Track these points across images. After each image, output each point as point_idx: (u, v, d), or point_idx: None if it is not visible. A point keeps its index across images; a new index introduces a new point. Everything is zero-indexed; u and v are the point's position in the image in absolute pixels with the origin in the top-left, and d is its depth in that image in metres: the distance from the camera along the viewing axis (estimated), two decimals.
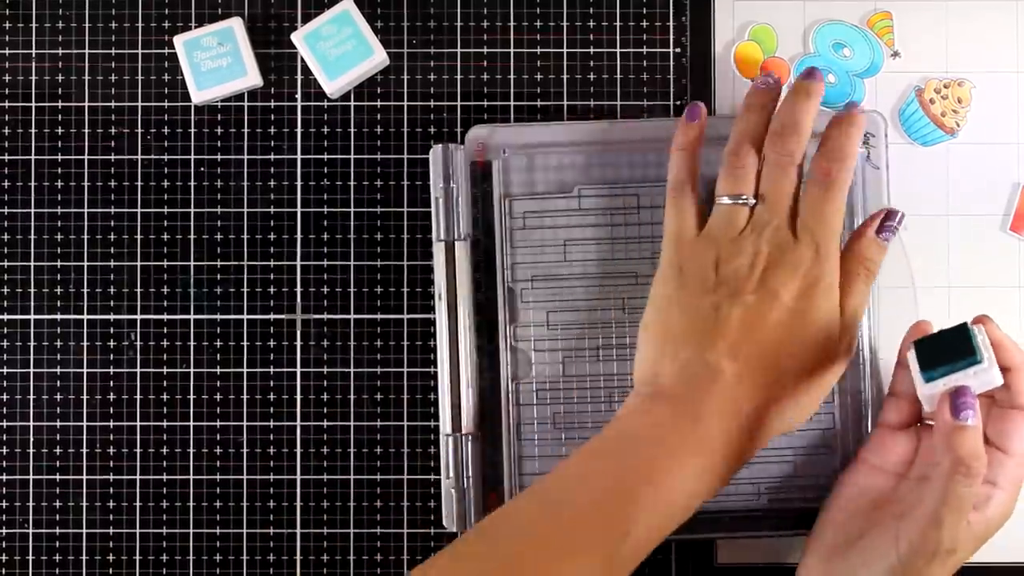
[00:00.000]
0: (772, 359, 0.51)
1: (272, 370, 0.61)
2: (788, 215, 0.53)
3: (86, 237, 0.61)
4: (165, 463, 0.60)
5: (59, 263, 0.61)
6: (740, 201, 0.53)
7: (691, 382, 0.51)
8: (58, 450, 0.60)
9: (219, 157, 0.61)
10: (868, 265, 0.53)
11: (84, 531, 0.60)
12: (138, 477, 0.60)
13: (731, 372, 0.51)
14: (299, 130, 0.61)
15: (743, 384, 0.51)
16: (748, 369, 0.51)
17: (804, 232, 0.52)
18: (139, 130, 0.61)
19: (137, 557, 0.60)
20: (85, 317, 0.61)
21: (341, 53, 0.59)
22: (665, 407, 0.51)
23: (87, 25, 0.61)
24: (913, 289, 0.59)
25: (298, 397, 0.61)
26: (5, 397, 0.60)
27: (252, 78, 0.59)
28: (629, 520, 0.49)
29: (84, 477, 0.60)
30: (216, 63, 0.59)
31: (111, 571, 0.60)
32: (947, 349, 0.50)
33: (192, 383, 0.61)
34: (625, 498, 0.49)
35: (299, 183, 0.61)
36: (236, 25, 0.59)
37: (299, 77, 0.61)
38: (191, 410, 0.61)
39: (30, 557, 0.60)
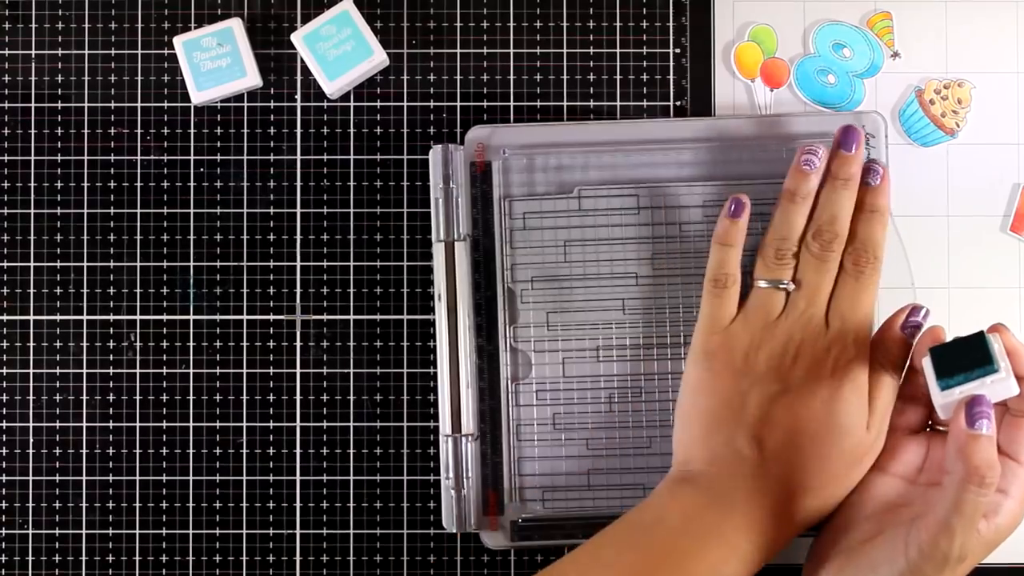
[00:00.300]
0: (799, 449, 0.51)
1: (272, 370, 0.61)
2: (824, 303, 0.54)
3: (86, 237, 0.61)
4: (165, 463, 0.60)
5: (59, 263, 0.61)
6: (780, 286, 0.54)
7: (719, 469, 0.52)
8: (58, 450, 0.60)
9: (219, 157, 0.61)
10: (892, 360, 0.54)
11: (84, 531, 0.60)
12: (138, 478, 0.60)
13: (758, 460, 0.51)
14: (299, 130, 0.61)
15: (770, 473, 0.51)
16: (775, 458, 0.51)
17: (836, 321, 0.53)
18: (139, 130, 0.61)
19: (137, 557, 0.60)
20: (85, 317, 0.61)
21: (341, 53, 0.59)
22: (693, 494, 0.52)
23: (87, 25, 0.61)
24: (913, 290, 0.59)
25: (298, 397, 0.61)
26: (5, 397, 0.60)
27: (252, 78, 0.59)
28: None
29: (84, 478, 0.60)
30: (216, 63, 0.59)
31: (111, 571, 0.60)
32: (964, 357, 0.50)
33: (192, 383, 0.61)
34: None
35: (299, 183, 0.61)
36: (236, 25, 0.59)
37: (299, 77, 0.61)
38: (191, 410, 0.61)
39: (30, 557, 0.60)
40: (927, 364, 0.50)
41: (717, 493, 0.51)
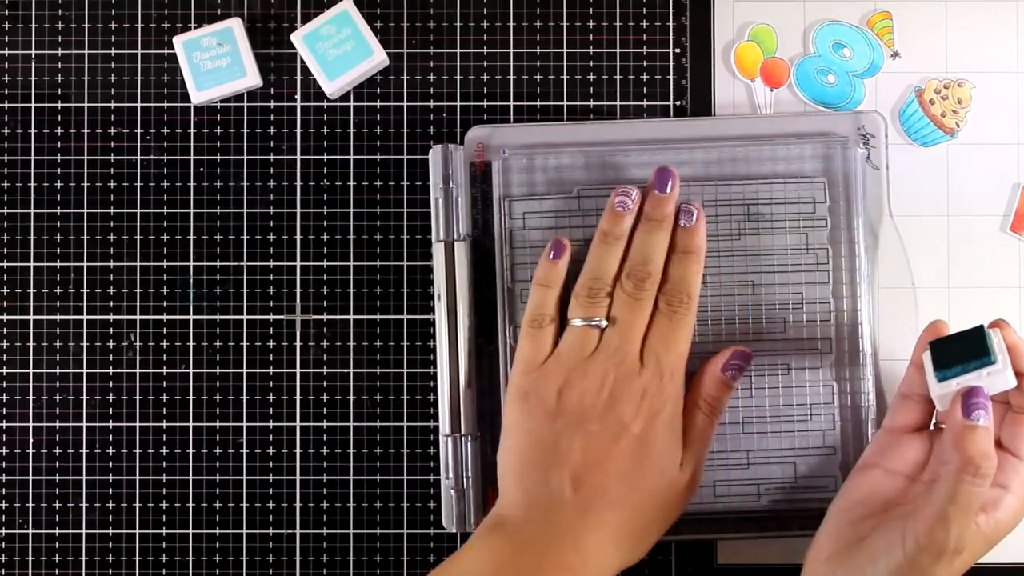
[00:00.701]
0: (616, 490, 0.51)
1: (272, 370, 0.61)
2: (638, 341, 0.53)
3: (86, 237, 0.61)
4: (165, 463, 0.60)
5: (59, 263, 0.61)
6: (592, 323, 0.54)
7: (534, 512, 0.51)
8: (58, 450, 0.60)
9: (219, 157, 0.61)
10: (709, 400, 0.54)
11: (84, 531, 0.60)
12: (138, 477, 0.60)
13: (573, 503, 0.51)
14: (299, 130, 0.61)
15: (585, 515, 0.51)
16: (590, 500, 0.51)
17: (651, 360, 0.53)
18: (139, 130, 0.61)
19: (137, 557, 0.60)
20: (85, 317, 0.61)
21: (340, 53, 0.59)
22: (504, 541, 0.51)
23: (87, 25, 0.61)
24: (913, 289, 0.59)
25: (298, 397, 0.61)
26: (5, 397, 0.60)
27: (252, 78, 0.59)
28: None
29: (84, 477, 0.60)
30: (216, 63, 0.59)
31: (111, 571, 0.60)
32: (962, 350, 0.50)
33: (192, 383, 0.61)
34: None
35: (299, 183, 0.61)
36: (235, 25, 0.59)
37: (299, 77, 0.61)
38: (191, 410, 0.61)
39: (30, 557, 0.60)
40: (926, 357, 0.50)
41: (528, 538, 0.51)
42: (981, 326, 0.50)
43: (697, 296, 0.54)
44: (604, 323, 0.54)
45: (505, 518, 0.52)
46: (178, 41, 0.59)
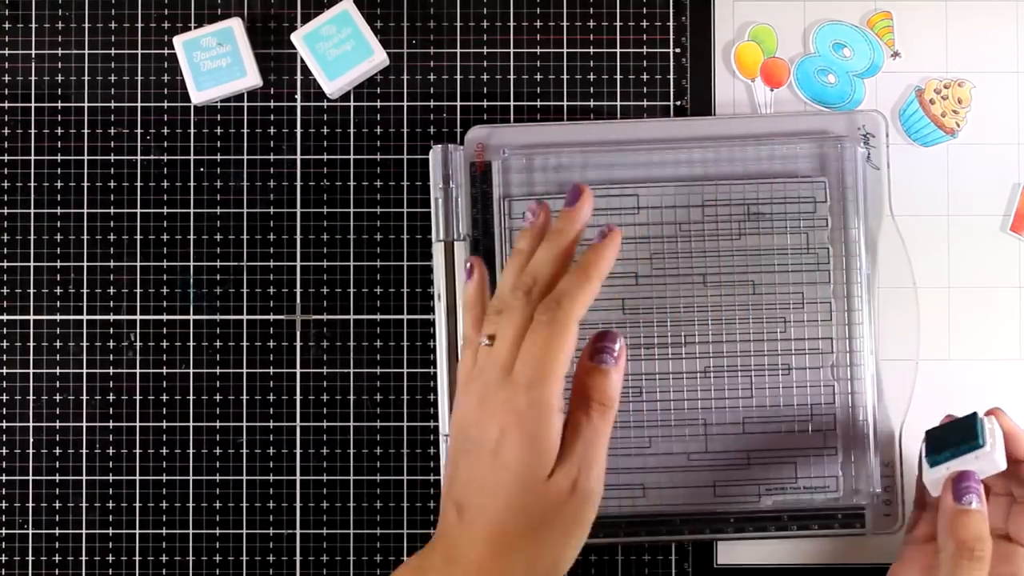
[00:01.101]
0: (494, 510, 0.48)
1: (272, 370, 0.61)
2: (506, 352, 0.49)
3: (86, 237, 0.61)
4: (165, 463, 0.60)
5: (59, 263, 0.61)
6: (483, 343, 0.51)
7: (438, 530, 0.50)
8: (58, 450, 0.60)
9: (219, 157, 0.61)
10: (593, 394, 0.50)
11: (84, 531, 0.60)
12: (138, 477, 0.60)
13: (456, 521, 0.49)
14: (299, 130, 0.61)
15: (467, 534, 0.49)
16: (471, 519, 0.49)
17: (517, 368, 0.49)
18: (139, 130, 0.61)
19: (137, 557, 0.60)
20: (85, 317, 0.61)
21: (341, 53, 0.59)
22: (423, 554, 0.51)
23: (87, 25, 0.61)
24: (914, 289, 0.59)
25: (298, 397, 0.61)
26: (5, 397, 0.60)
27: (252, 78, 0.59)
28: None
29: (84, 477, 0.60)
30: (216, 63, 0.59)
31: (111, 571, 0.60)
32: (954, 436, 0.51)
33: (192, 383, 0.61)
34: None
35: (299, 183, 0.61)
36: (236, 25, 0.59)
37: (299, 77, 0.61)
38: (191, 410, 0.61)
39: (30, 557, 0.60)
40: (922, 446, 0.52)
41: (429, 556, 0.50)
42: (975, 413, 0.52)
43: (574, 310, 0.49)
44: (485, 340, 0.51)
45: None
46: (178, 41, 0.59)
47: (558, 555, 0.49)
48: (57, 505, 0.60)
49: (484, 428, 0.49)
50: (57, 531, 0.60)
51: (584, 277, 0.50)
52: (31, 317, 0.61)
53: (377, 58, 0.59)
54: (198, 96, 0.59)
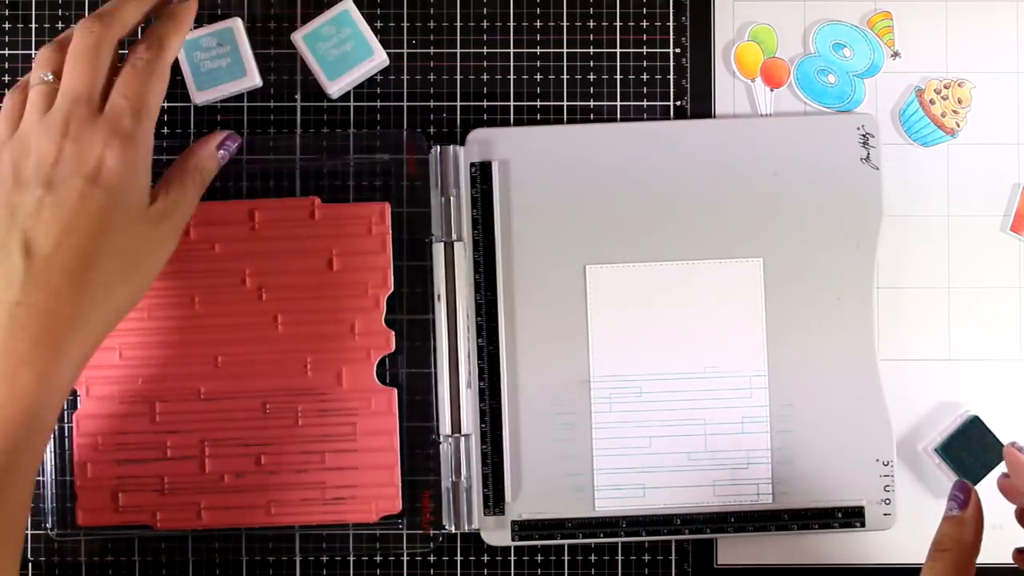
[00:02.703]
0: (82, 246, 0.48)
1: None
2: (97, 91, 0.50)
3: None
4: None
5: None
6: (45, 80, 0.51)
7: None
8: (58, 450, 0.60)
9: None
10: (203, 173, 0.55)
11: (83, 531, 0.60)
12: None
13: (21, 264, 0.47)
14: (298, 130, 0.61)
15: (39, 276, 0.47)
16: (48, 258, 0.47)
17: (120, 107, 0.50)
18: None
19: (136, 558, 0.60)
20: None
21: (341, 53, 0.59)
22: None
23: None
24: (914, 290, 0.59)
25: None
26: None
27: (252, 78, 0.59)
28: None
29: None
30: (216, 63, 0.59)
31: (111, 571, 0.60)
32: (972, 452, 0.59)
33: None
34: None
35: (298, 183, 0.61)
36: (235, 26, 0.59)
37: (299, 77, 0.61)
38: None
39: (30, 557, 0.60)
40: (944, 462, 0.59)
41: None
42: (976, 417, 0.58)
43: (167, 50, 0.53)
44: (50, 77, 0.51)
45: None
46: None
47: (143, 288, 0.51)
48: (57, 505, 0.60)
49: (76, 157, 0.48)
50: (57, 531, 0.60)
51: (179, 23, 0.53)
52: None
53: (377, 58, 0.59)
54: (199, 96, 0.59)
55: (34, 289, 0.47)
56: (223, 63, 0.59)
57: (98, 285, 0.48)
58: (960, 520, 0.50)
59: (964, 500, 0.50)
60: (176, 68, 0.60)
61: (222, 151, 0.56)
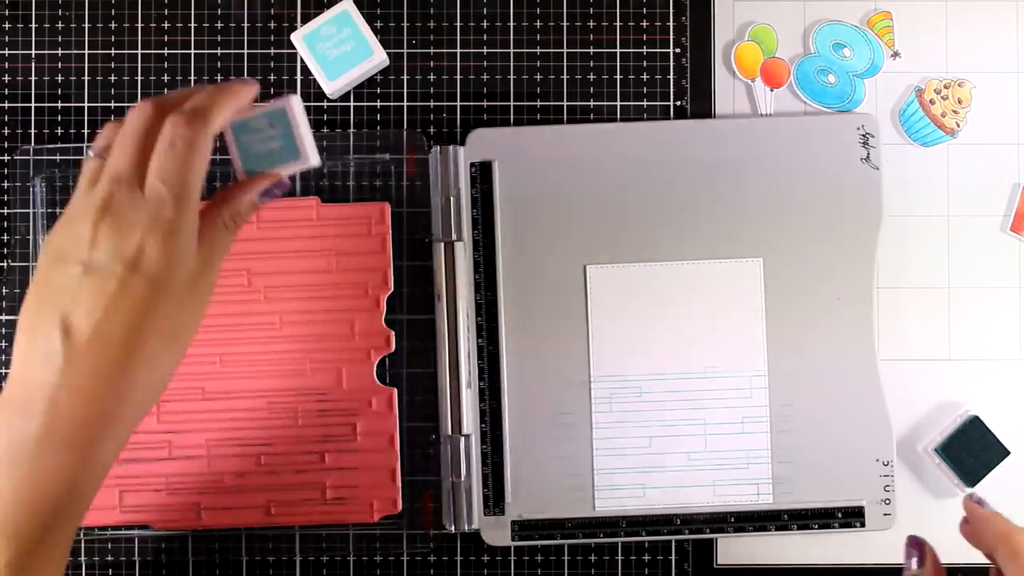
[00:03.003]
0: (124, 329, 0.46)
1: None
2: (134, 169, 0.47)
3: None
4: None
5: None
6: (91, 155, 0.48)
7: (15, 372, 0.46)
8: None
9: (218, 157, 0.61)
10: (238, 220, 0.50)
11: (83, 531, 0.60)
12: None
13: (61, 346, 0.45)
14: None
15: (81, 359, 0.45)
16: (90, 341, 0.45)
17: (160, 188, 0.46)
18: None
19: (136, 558, 0.60)
20: None
21: (341, 53, 0.59)
22: None
23: (87, 25, 0.61)
24: (914, 290, 0.59)
25: None
26: None
27: (306, 159, 0.51)
28: None
29: None
30: (267, 146, 0.51)
31: (111, 571, 0.60)
32: (973, 451, 0.59)
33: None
34: None
35: (298, 183, 0.61)
36: (289, 104, 0.50)
37: (299, 77, 0.61)
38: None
39: None
40: (944, 464, 0.59)
41: (19, 400, 0.45)
42: (977, 418, 0.58)
43: (216, 120, 0.47)
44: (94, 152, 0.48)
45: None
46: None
47: (184, 351, 0.49)
48: None
49: (116, 242, 0.45)
50: None
51: (225, 92, 0.48)
52: None
53: (377, 58, 0.59)
54: (331, 86, 0.59)
55: (74, 371, 0.45)
56: (275, 146, 0.51)
57: (140, 364, 0.46)
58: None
59: (921, 557, 0.51)
60: (175, 67, 0.60)
61: (265, 197, 0.50)
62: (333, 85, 0.59)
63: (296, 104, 0.50)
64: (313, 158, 0.51)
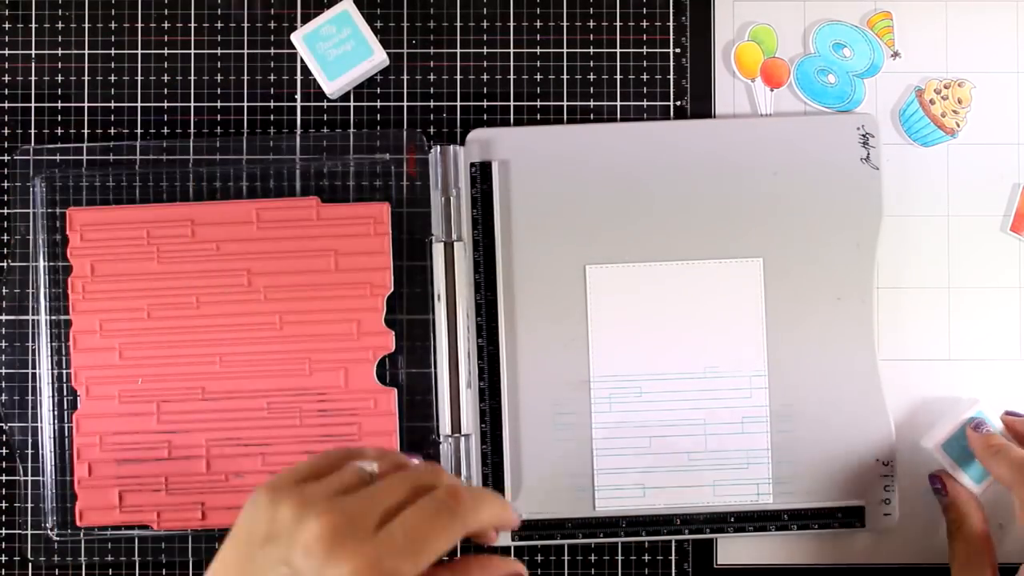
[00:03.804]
0: None
1: None
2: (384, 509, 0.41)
3: None
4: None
5: (60, 263, 0.61)
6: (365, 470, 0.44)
7: None
8: (57, 449, 0.60)
9: (218, 157, 0.61)
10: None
11: (83, 531, 0.60)
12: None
13: None
14: (298, 130, 0.61)
15: None
16: None
17: (399, 534, 0.41)
18: (139, 130, 0.61)
19: (136, 558, 0.60)
20: None
21: (341, 53, 0.59)
22: None
23: (87, 25, 0.61)
24: (914, 290, 0.59)
25: None
26: (4, 397, 0.60)
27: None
28: None
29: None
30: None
31: (111, 571, 0.60)
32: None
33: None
34: None
35: (299, 183, 0.61)
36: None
37: (299, 77, 0.61)
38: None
39: (30, 558, 0.60)
40: (945, 457, 0.58)
41: None
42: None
43: (475, 515, 0.43)
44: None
45: None
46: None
47: None
48: (56, 504, 0.60)
49: (324, 567, 0.40)
50: (56, 531, 0.60)
51: (499, 506, 0.45)
52: (30, 317, 0.60)
53: (377, 58, 0.59)
54: (331, 87, 0.59)
55: None
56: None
57: None
58: (950, 503, 0.57)
59: (943, 486, 0.57)
60: (176, 68, 0.60)
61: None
62: (333, 85, 0.59)
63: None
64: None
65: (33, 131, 0.61)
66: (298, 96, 0.61)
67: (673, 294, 0.59)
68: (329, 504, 0.41)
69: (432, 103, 0.61)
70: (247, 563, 0.41)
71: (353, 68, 0.59)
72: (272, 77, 0.61)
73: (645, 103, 0.61)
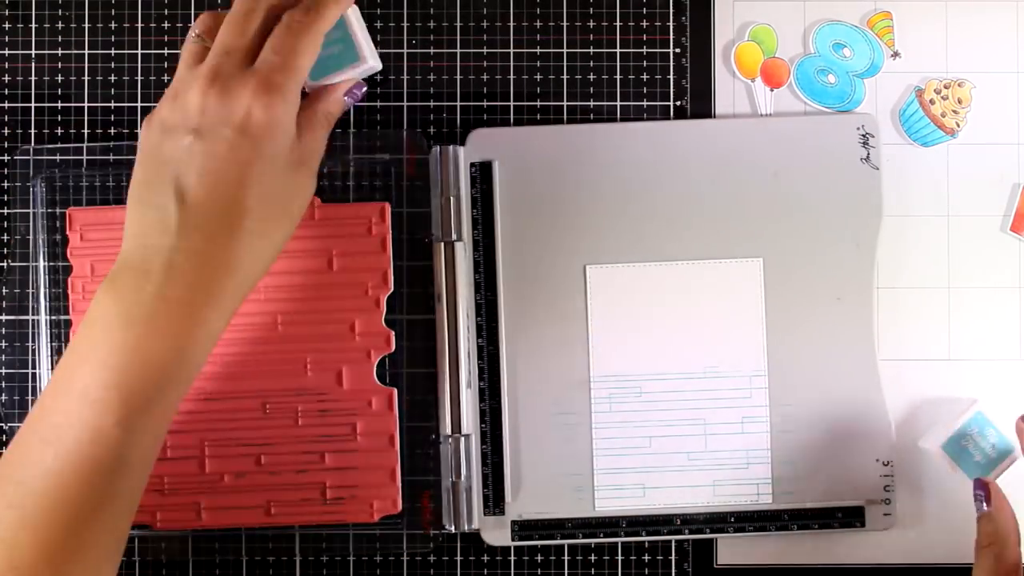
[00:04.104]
0: (233, 194, 0.49)
1: None
2: (246, 50, 0.51)
3: None
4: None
5: (60, 263, 0.61)
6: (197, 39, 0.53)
7: (131, 231, 0.49)
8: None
9: None
10: (329, 117, 0.55)
11: None
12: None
13: (176, 211, 0.48)
14: None
15: (192, 223, 0.48)
16: (201, 204, 0.48)
17: (271, 62, 0.50)
18: (139, 130, 0.61)
19: (136, 558, 0.60)
20: None
21: (326, 55, 0.56)
22: (109, 286, 0.48)
23: (87, 25, 0.61)
24: (914, 290, 0.59)
25: None
26: (4, 397, 0.60)
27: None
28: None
29: None
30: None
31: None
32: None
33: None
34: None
35: None
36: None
37: None
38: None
39: None
40: (945, 459, 0.58)
41: (137, 262, 0.48)
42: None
43: (328, 17, 0.52)
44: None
45: (115, 266, 0.49)
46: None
47: (288, 234, 0.52)
48: None
49: (225, 107, 0.49)
50: None
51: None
52: (29, 317, 0.60)
53: (364, 65, 0.56)
54: (310, 86, 0.58)
55: (190, 233, 0.48)
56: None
57: (249, 231, 0.49)
58: (989, 516, 0.54)
59: (986, 496, 0.54)
60: (175, 67, 0.60)
61: (348, 97, 0.55)
62: (312, 85, 0.56)
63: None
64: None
65: (33, 131, 0.61)
66: None
67: (673, 294, 0.59)
68: (194, 73, 0.50)
69: (432, 103, 0.61)
70: (155, 164, 0.49)
71: (335, 72, 0.55)
72: None
73: (645, 103, 0.61)
